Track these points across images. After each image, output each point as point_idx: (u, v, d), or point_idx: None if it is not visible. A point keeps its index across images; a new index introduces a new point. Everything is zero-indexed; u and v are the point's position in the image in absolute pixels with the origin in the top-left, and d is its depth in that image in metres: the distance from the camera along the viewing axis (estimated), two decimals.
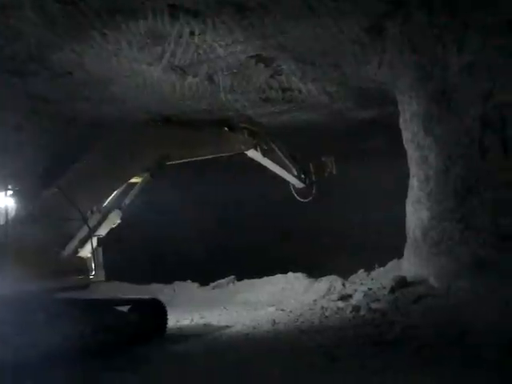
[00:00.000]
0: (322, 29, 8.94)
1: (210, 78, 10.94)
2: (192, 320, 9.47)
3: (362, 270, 11.52)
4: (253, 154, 9.47)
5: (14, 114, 11.79)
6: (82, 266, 7.12)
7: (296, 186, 10.82)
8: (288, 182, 10.82)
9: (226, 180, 17.01)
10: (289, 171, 10.38)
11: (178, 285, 12.77)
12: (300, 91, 11.82)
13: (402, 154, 10.46)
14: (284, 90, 11.82)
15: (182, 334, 8.31)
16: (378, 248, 14.55)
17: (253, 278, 12.63)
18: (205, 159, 8.95)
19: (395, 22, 8.54)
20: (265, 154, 9.62)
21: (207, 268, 14.06)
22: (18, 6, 7.99)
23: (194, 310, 10.51)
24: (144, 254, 16.09)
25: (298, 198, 10.81)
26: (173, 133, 8.18)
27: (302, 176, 10.76)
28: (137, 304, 8.22)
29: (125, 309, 7.99)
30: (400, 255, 10.77)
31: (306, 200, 10.83)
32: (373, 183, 16.63)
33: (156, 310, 8.33)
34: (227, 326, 8.66)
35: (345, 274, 11.55)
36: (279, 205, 13.21)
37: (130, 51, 9.67)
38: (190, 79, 10.91)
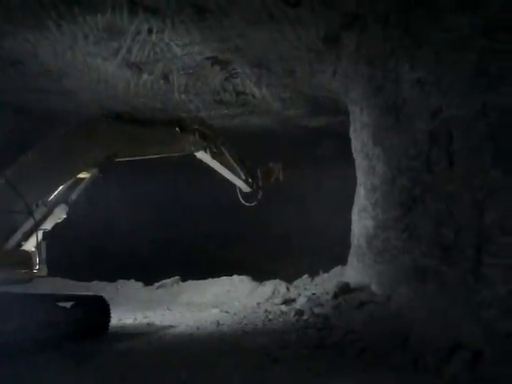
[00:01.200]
0: (280, 35, 9.05)
1: (166, 77, 10.92)
2: (135, 319, 9.39)
3: (306, 275, 11.68)
4: (202, 155, 9.43)
5: None
6: (25, 260, 6.95)
7: (243, 189, 10.90)
8: (235, 186, 10.87)
9: (177, 181, 16.99)
10: (236, 175, 10.40)
11: (121, 283, 12.63)
12: (254, 96, 11.94)
13: (350, 162, 10.72)
14: (238, 94, 11.91)
15: (125, 333, 8.24)
16: (322, 254, 14.87)
17: (198, 279, 12.62)
18: (154, 158, 8.90)
19: (351, 33, 8.73)
20: (214, 156, 9.59)
21: (152, 268, 14.02)
22: None
23: (138, 309, 10.43)
24: (86, 250, 15.87)
25: (243, 201, 10.88)
26: (123, 129, 8.10)
27: (250, 180, 10.83)
28: (80, 300, 8.11)
29: (67, 305, 7.84)
30: (344, 262, 11.01)
31: (250, 204, 10.91)
32: (321, 190, 16.93)
33: (99, 307, 8.24)
34: (171, 326, 8.64)
35: (289, 278, 11.69)
36: (228, 209, 13.21)
37: (85, 45, 9.54)
38: (145, 77, 10.85)
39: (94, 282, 12.54)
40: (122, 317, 9.48)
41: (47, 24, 8.79)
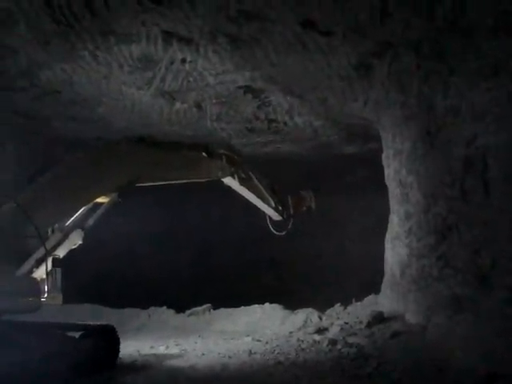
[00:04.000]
0: (312, 63, 9.08)
1: (198, 106, 11.03)
2: (167, 346, 9.34)
3: (338, 304, 11.53)
4: (230, 181, 9.27)
5: None
6: (32, 287, 6.53)
7: (273, 218, 10.75)
8: (265, 214, 10.75)
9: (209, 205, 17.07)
10: (266, 202, 10.24)
11: (152, 310, 12.64)
12: (286, 123, 11.96)
13: (382, 189, 10.64)
14: (270, 122, 11.94)
15: (158, 360, 8.23)
16: (355, 282, 14.72)
17: (229, 307, 12.58)
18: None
19: (383, 62, 8.73)
20: (242, 182, 9.43)
21: (183, 295, 14.03)
22: (13, 22, 8.01)
23: (170, 336, 10.42)
24: (118, 277, 15.97)
25: (273, 230, 10.72)
26: (146, 153, 7.83)
27: (280, 208, 10.66)
28: (88, 330, 7.78)
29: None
30: (377, 291, 10.85)
31: (280, 233, 10.76)
32: (354, 218, 16.85)
33: (109, 338, 7.83)
34: (203, 354, 8.59)
35: (321, 307, 11.56)
36: (260, 235, 13.19)
37: (120, 74, 9.69)
38: (178, 105, 10.98)
39: (127, 309, 12.55)
40: (154, 344, 9.47)
41: (83, 54, 8.99)
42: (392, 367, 6.79)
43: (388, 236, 10.29)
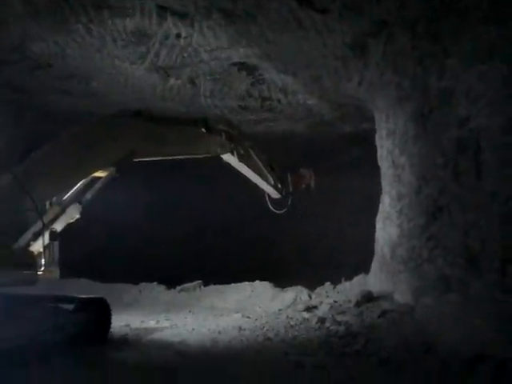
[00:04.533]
0: (307, 41, 9.03)
1: (192, 82, 10.97)
2: (158, 321, 9.43)
3: (328, 283, 11.62)
4: (229, 158, 9.19)
5: None
6: (29, 261, 6.60)
7: (272, 195, 10.70)
8: (263, 193, 10.70)
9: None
10: (265, 180, 10.19)
11: (143, 286, 12.71)
12: (279, 101, 11.92)
13: (376, 169, 10.64)
14: (263, 99, 11.90)
15: (147, 335, 8.30)
16: (345, 262, 14.83)
17: (219, 283, 12.66)
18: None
19: (378, 42, 8.69)
20: (241, 159, 9.33)
21: (174, 271, 14.09)
22: None
23: (160, 311, 10.50)
24: (109, 252, 16.00)
25: (272, 208, 10.67)
26: (143, 127, 7.72)
27: (279, 186, 10.63)
28: (82, 303, 7.77)
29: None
30: (367, 271, 10.94)
31: (280, 211, 10.73)
32: (346, 197, 16.90)
33: (101, 311, 7.89)
34: (193, 329, 8.67)
35: (311, 286, 11.65)
36: (254, 214, 13.19)
37: (114, 48, 9.61)
38: (172, 81, 10.92)
39: (118, 284, 12.61)
40: (144, 319, 9.55)
41: (76, 28, 8.90)
42: (380, 345, 6.87)
43: (379, 216, 10.33)
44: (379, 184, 10.37)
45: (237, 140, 9.31)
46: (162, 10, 8.28)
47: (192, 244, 18.02)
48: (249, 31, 8.79)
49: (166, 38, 9.13)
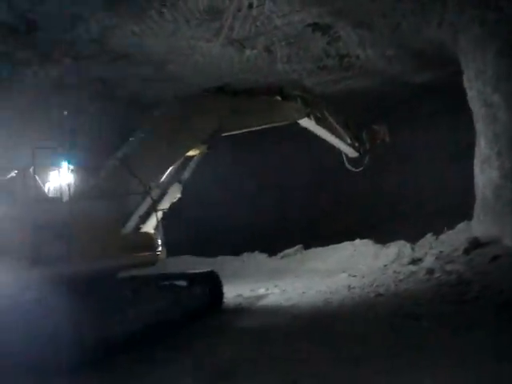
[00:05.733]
0: None
1: (268, 50, 10.95)
2: (267, 289, 9.57)
3: (429, 234, 11.41)
4: (306, 122, 9.24)
5: (77, 97, 12.11)
6: (149, 242, 6.89)
7: (349, 155, 10.64)
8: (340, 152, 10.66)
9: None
10: (342, 139, 10.17)
11: (246, 256, 12.97)
12: (358, 57, 11.69)
13: (460, 115, 10.25)
14: (341, 57, 11.71)
15: (261, 302, 8.50)
16: (442, 212, 14.43)
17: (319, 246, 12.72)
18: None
19: None
20: (318, 122, 9.37)
21: (274, 238, 14.21)
22: None
23: (266, 279, 10.71)
24: (209, 228, 16.29)
25: (350, 167, 10.61)
26: (226, 102, 7.96)
27: (356, 145, 10.56)
28: (195, 277, 8.09)
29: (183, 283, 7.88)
30: (467, 217, 10.63)
31: (357, 170, 10.63)
32: (430, 147, 16.38)
33: (214, 283, 8.16)
34: (303, 293, 8.78)
35: (411, 238, 11.49)
36: (334, 172, 13.01)
37: (187, 29, 9.77)
38: (248, 52, 10.97)
39: (219, 257, 12.93)
40: (253, 287, 9.75)
41: (149, 13, 9.08)
42: (495, 291, 6.73)
43: (476, 160, 9.96)
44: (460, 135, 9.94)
45: (312, 103, 9.33)
46: None
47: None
48: None
49: (239, 10, 9.18)
